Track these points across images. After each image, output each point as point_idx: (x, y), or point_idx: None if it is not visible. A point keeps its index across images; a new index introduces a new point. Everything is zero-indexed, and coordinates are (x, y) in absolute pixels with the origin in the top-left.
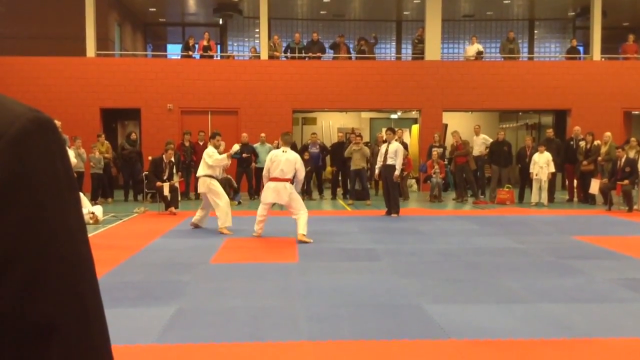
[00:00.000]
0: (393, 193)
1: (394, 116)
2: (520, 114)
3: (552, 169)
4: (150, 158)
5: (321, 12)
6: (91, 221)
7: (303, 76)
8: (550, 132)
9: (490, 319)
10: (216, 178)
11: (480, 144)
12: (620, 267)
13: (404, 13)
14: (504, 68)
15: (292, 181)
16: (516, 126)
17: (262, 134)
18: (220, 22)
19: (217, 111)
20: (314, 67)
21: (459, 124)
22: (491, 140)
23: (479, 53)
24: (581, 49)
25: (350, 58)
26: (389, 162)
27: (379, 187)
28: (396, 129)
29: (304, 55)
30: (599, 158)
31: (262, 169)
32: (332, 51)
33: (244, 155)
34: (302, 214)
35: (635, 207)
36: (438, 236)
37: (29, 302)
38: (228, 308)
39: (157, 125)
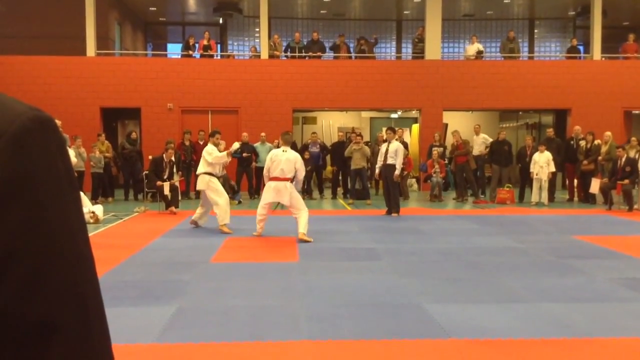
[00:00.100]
0: (393, 192)
1: (394, 115)
2: (520, 113)
3: (553, 169)
4: (150, 157)
5: (321, 12)
6: (91, 220)
7: (303, 75)
8: (550, 131)
9: (490, 319)
10: (215, 176)
11: (480, 143)
12: (620, 267)
13: (404, 12)
14: (504, 67)
15: (292, 180)
16: (516, 126)
17: (263, 134)
18: (221, 21)
19: (218, 110)
20: (314, 67)
21: (459, 124)
22: (491, 139)
23: (479, 52)
24: (581, 48)
25: (350, 57)
26: (389, 161)
27: (379, 187)
28: (396, 129)
29: (304, 54)
30: (599, 157)
31: (262, 168)
32: (332, 51)
33: (244, 154)
34: (302, 213)
35: (635, 206)
36: (438, 236)
37: (29, 302)
38: (228, 307)
39: (157, 124)
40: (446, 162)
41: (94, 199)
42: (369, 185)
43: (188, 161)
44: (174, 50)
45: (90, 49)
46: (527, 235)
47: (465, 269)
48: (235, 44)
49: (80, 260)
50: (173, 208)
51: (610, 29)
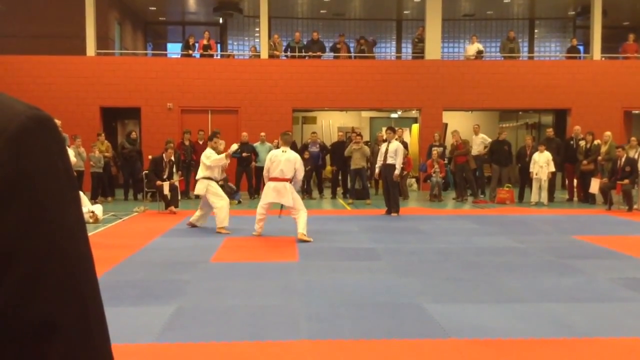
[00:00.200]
0: (393, 192)
1: (394, 115)
2: (520, 113)
3: (552, 169)
4: (150, 157)
5: (321, 11)
6: (91, 220)
7: (303, 75)
8: (550, 131)
9: (490, 319)
10: (215, 180)
11: (479, 143)
12: (620, 267)
13: (404, 12)
14: (504, 67)
15: (291, 181)
16: (516, 125)
17: (262, 133)
18: (221, 21)
19: (217, 110)
20: (314, 66)
21: (459, 124)
22: (490, 139)
23: (479, 52)
24: (581, 48)
25: (350, 57)
26: (389, 161)
27: (379, 187)
28: (396, 128)
29: (304, 54)
30: (599, 157)
31: (262, 168)
32: (332, 51)
33: (244, 154)
34: (301, 214)
35: (635, 206)
36: (438, 235)
37: (28, 302)
38: (228, 307)
39: (157, 124)
40: (446, 162)
41: (93, 199)
42: (369, 185)
43: (188, 161)
44: (174, 49)
45: (90, 48)
46: (527, 235)
47: (465, 269)
48: (235, 43)
49: (80, 260)
50: (173, 208)
51: (610, 28)
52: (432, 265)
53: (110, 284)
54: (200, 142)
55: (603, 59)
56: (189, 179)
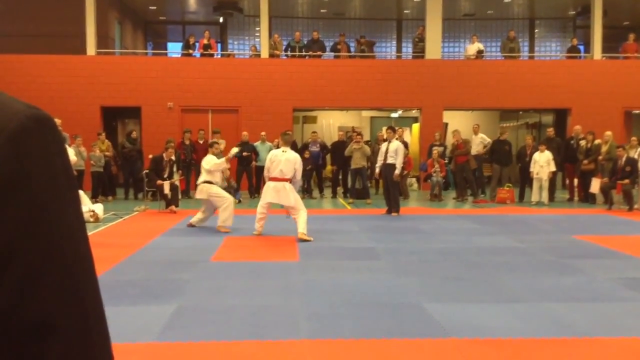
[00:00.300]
0: (393, 192)
1: (394, 115)
2: (520, 113)
3: (553, 168)
4: (150, 156)
5: (321, 11)
6: (91, 219)
7: (303, 75)
8: (550, 131)
9: (490, 318)
10: (216, 185)
11: (477, 143)
12: (620, 267)
13: (405, 12)
14: (504, 67)
15: (291, 181)
16: (516, 125)
17: (263, 133)
18: (221, 20)
19: (218, 110)
20: (314, 66)
21: (459, 123)
22: (489, 140)
23: (480, 52)
24: (582, 48)
25: (350, 57)
26: (390, 161)
27: (379, 186)
28: (397, 128)
29: (304, 53)
30: (600, 157)
31: (262, 167)
32: (332, 51)
33: (245, 153)
34: (301, 213)
35: (635, 206)
36: (438, 235)
37: (28, 301)
38: (228, 306)
39: (157, 123)
40: (446, 161)
41: (94, 198)
42: (369, 185)
43: (188, 160)
44: (174, 49)
45: (91, 47)
46: (527, 235)
47: (465, 269)
48: (236, 43)
49: (80, 260)
50: (173, 207)
51: (611, 28)
52: (433, 264)
53: (111, 283)
54: (201, 142)
55: (603, 58)
56: (190, 179)
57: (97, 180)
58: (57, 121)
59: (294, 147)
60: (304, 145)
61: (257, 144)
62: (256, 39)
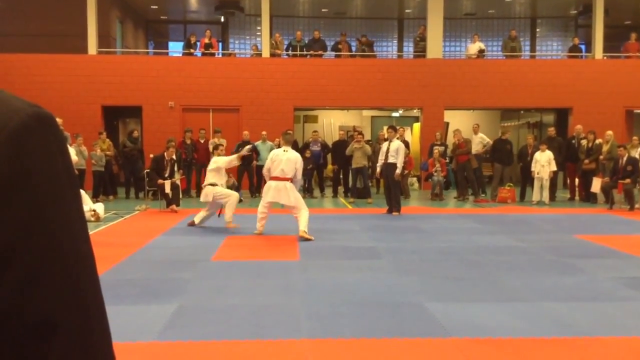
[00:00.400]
0: (394, 191)
1: (395, 114)
2: (521, 112)
3: (554, 168)
4: (151, 156)
5: (323, 10)
6: (92, 219)
7: (304, 74)
8: (551, 130)
9: (491, 318)
10: (220, 186)
11: (477, 143)
12: (621, 266)
13: (406, 11)
14: (505, 66)
15: (292, 180)
16: (518, 124)
17: (264, 132)
18: (222, 19)
19: (219, 109)
20: (315, 65)
21: (460, 123)
22: (488, 140)
23: (481, 51)
24: (583, 47)
25: (352, 56)
26: (390, 160)
27: (380, 185)
28: (397, 127)
29: (305, 53)
30: (601, 157)
31: (263, 167)
32: (333, 50)
33: (245, 153)
34: (302, 212)
35: (636, 205)
36: (439, 234)
37: (29, 300)
38: (229, 305)
39: (158, 122)
40: (447, 161)
41: (95, 197)
42: (370, 184)
43: (189, 159)
44: (176, 48)
45: (92, 47)
46: (528, 235)
47: (466, 268)
48: (237, 42)
49: (81, 259)
50: (174, 206)
51: (612, 28)
52: (433, 264)
53: (112, 283)
54: (202, 141)
55: (605, 58)
56: (190, 178)
57: (98, 180)
58: (59, 120)
59: (295, 146)
60: (305, 144)
61: (258, 143)
62: (257, 38)
